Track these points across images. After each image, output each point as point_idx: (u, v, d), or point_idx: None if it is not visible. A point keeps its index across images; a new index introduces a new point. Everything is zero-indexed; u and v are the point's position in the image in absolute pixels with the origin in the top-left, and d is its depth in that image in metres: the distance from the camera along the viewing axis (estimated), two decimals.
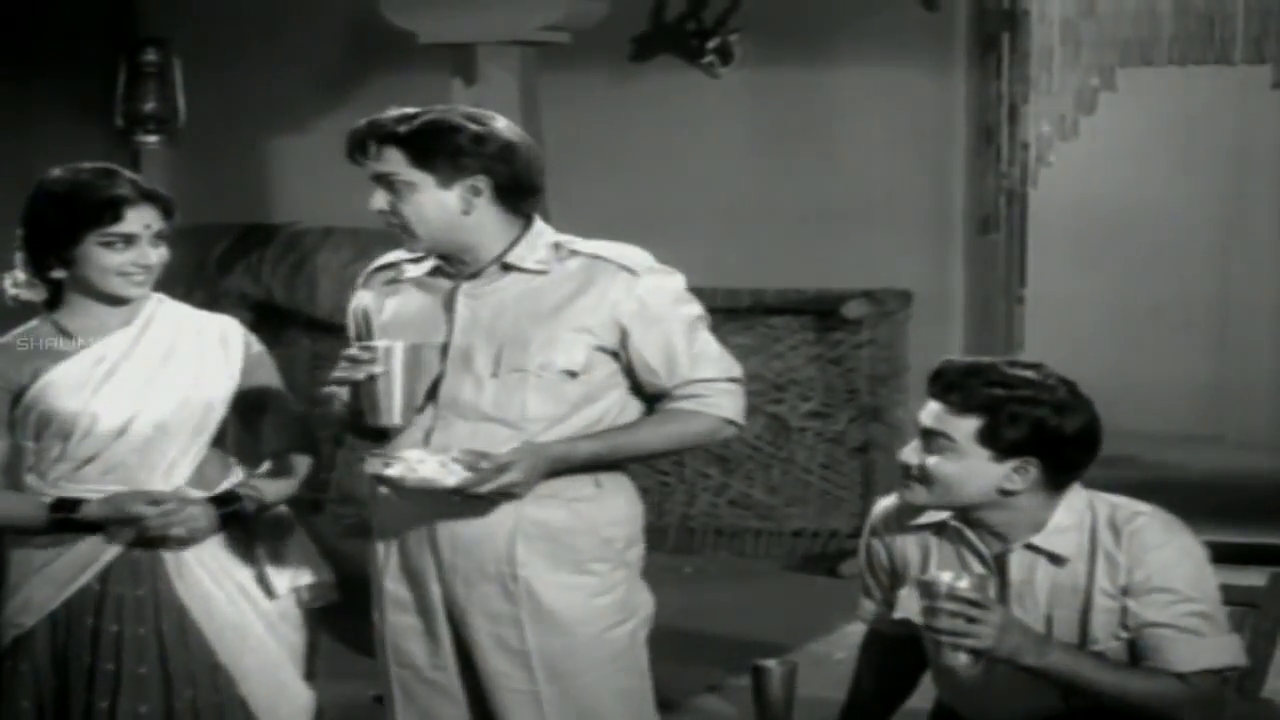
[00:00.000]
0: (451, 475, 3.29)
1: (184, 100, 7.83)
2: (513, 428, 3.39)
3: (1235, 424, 9.18)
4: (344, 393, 3.40)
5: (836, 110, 7.25)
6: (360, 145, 3.42)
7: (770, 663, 3.55)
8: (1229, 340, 9.37)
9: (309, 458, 3.68)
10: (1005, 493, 3.30)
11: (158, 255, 3.51)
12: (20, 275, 3.54)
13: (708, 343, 3.48)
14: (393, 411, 3.34)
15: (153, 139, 7.84)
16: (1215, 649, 3.28)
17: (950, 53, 7.11)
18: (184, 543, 3.51)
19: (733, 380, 3.48)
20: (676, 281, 3.47)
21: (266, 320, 7.27)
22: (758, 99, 7.32)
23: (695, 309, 3.47)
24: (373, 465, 3.34)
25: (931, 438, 3.31)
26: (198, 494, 3.52)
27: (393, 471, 3.31)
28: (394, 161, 3.39)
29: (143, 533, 3.47)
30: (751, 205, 7.30)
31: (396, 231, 3.45)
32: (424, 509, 3.43)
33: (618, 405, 3.46)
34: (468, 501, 3.36)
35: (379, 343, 3.36)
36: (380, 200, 3.42)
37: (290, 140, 7.85)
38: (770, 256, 7.20)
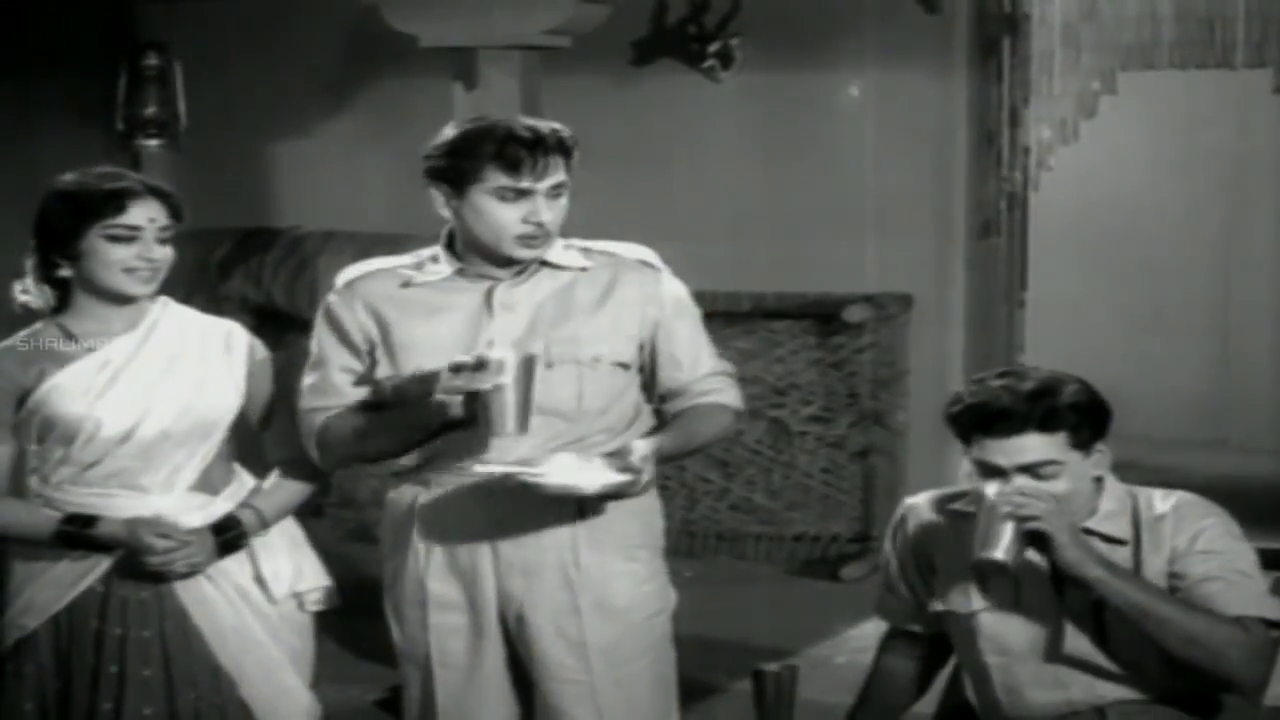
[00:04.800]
0: (596, 479, 3.34)
1: (185, 104, 7.82)
2: (568, 420, 3.45)
3: (1238, 428, 9.17)
4: (457, 402, 3.35)
5: (837, 114, 7.25)
6: (548, 154, 3.42)
7: (771, 667, 3.55)
8: (1231, 344, 9.37)
9: (312, 467, 3.67)
10: (1096, 481, 3.39)
11: (163, 253, 3.51)
12: (30, 282, 3.56)
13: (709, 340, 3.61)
14: (506, 421, 3.33)
15: (154, 143, 7.84)
16: (1264, 596, 3.33)
17: (951, 57, 7.11)
18: (181, 576, 3.52)
19: (731, 374, 3.62)
20: (680, 281, 3.61)
21: (267, 324, 7.25)
22: (759, 103, 7.32)
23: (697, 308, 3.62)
24: (509, 471, 3.36)
25: (1035, 469, 3.31)
26: (199, 524, 3.52)
27: (530, 478, 3.34)
28: (564, 169, 3.46)
29: (143, 565, 3.48)
30: (752, 209, 7.30)
31: (534, 244, 3.45)
32: (477, 506, 3.45)
33: (639, 398, 3.55)
34: (525, 496, 3.38)
35: (494, 353, 3.33)
36: (550, 212, 3.45)
37: (291, 144, 7.85)
38: (771, 260, 7.19)
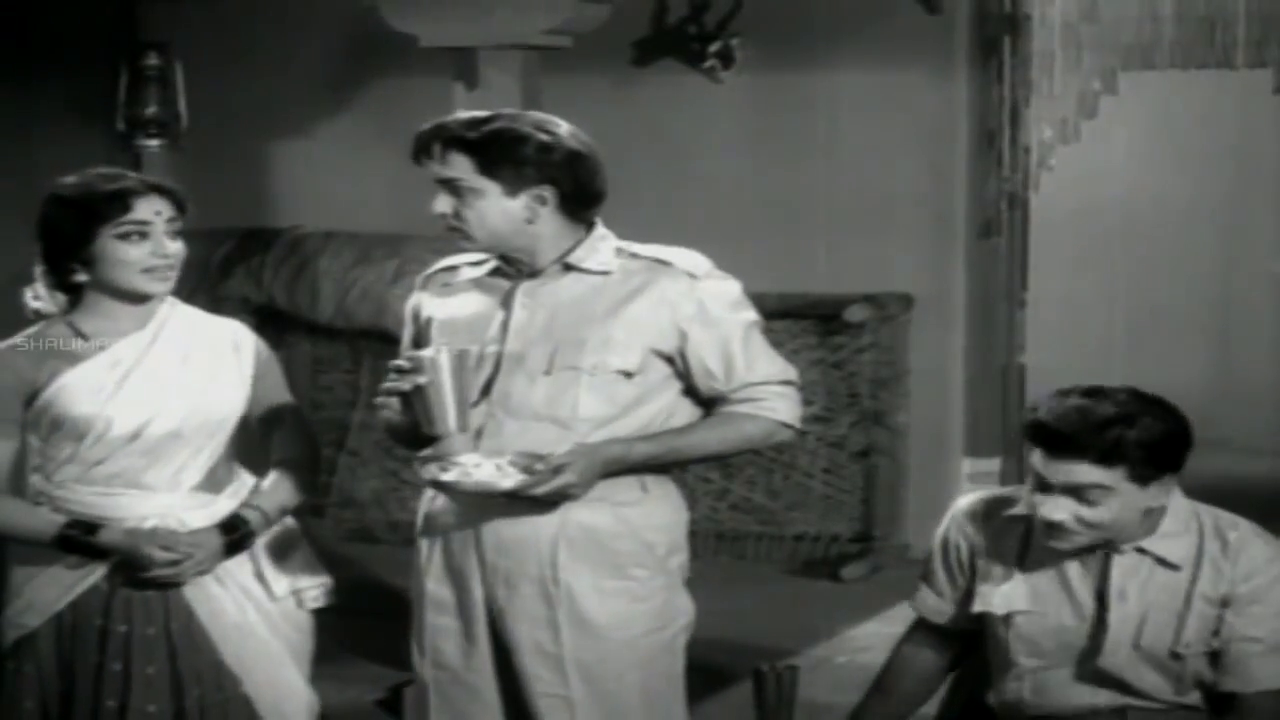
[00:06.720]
0: (507, 478, 3.30)
1: (185, 104, 7.82)
2: (563, 426, 3.39)
3: (1240, 428, 9.16)
4: (395, 403, 3.38)
5: (838, 114, 7.25)
6: (425, 148, 3.42)
7: (771, 666, 3.55)
8: (1232, 344, 9.36)
9: (313, 465, 3.69)
10: (1149, 511, 3.34)
11: (175, 247, 3.51)
12: (41, 288, 3.55)
13: (764, 347, 3.50)
14: (446, 419, 3.31)
15: (154, 143, 7.84)
16: None
17: (951, 57, 7.11)
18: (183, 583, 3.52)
19: (788, 383, 3.53)
20: (734, 286, 3.50)
21: (268, 324, 7.26)
22: (759, 103, 7.32)
23: (752, 314, 3.50)
24: (429, 471, 3.34)
25: (1082, 491, 3.29)
26: (204, 523, 3.52)
27: (449, 476, 3.32)
28: (461, 167, 3.40)
29: (144, 575, 3.48)
30: (753, 209, 7.30)
31: (455, 235, 3.46)
32: (470, 511, 3.44)
33: (669, 408, 3.47)
34: (514, 504, 3.36)
35: (424, 352, 3.34)
36: (443, 204, 3.43)
37: (292, 144, 7.85)
38: (772, 260, 7.18)
